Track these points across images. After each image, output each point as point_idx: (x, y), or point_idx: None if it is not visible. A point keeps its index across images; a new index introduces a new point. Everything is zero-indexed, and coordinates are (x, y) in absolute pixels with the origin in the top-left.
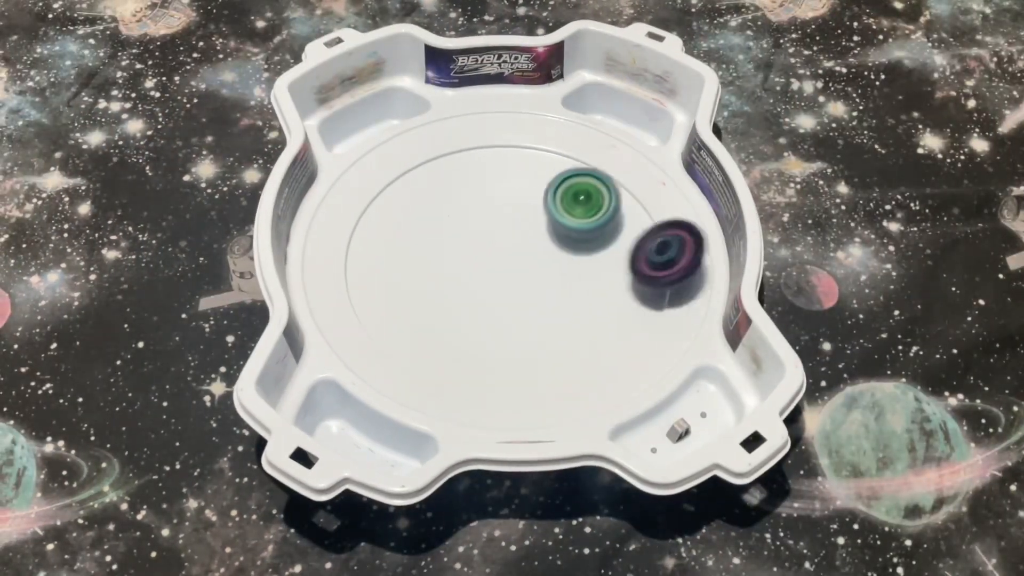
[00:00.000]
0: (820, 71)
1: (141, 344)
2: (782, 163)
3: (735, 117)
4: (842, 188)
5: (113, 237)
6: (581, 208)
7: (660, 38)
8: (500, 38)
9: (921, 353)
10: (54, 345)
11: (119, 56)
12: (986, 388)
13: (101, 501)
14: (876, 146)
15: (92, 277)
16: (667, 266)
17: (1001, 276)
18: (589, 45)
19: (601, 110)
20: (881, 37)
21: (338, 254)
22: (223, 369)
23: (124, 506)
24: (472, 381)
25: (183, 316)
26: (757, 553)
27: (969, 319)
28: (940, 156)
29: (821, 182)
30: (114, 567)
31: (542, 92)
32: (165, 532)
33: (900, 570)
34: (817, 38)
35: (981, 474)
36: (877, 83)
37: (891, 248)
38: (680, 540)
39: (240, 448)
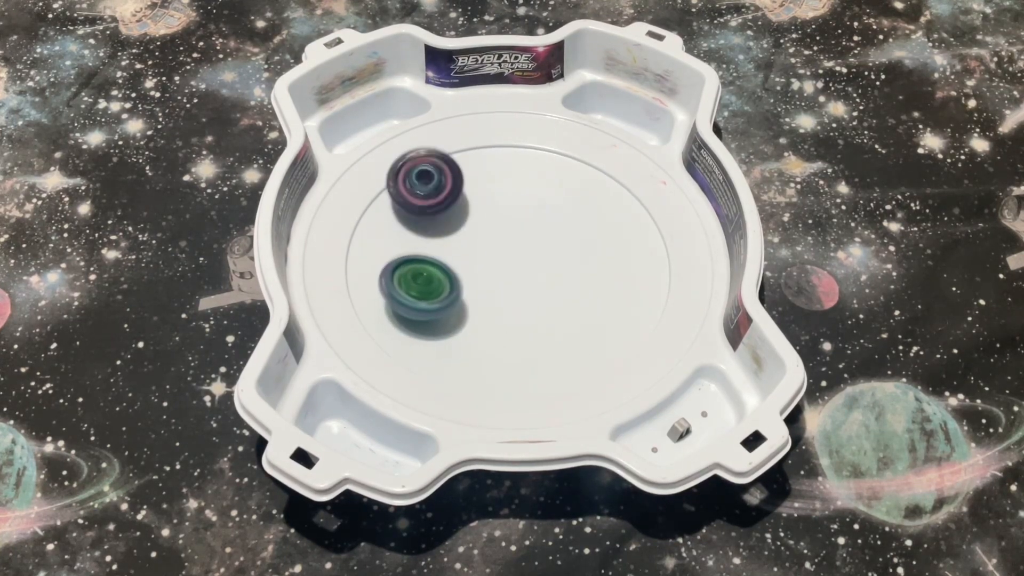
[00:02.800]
0: (820, 71)
1: (141, 344)
2: (782, 163)
3: (735, 117)
4: (842, 188)
5: (113, 237)
6: (422, 289)
7: (660, 37)
8: (500, 38)
9: (921, 353)
10: (54, 345)
11: (119, 56)
12: (986, 388)
13: (101, 501)
14: (876, 146)
15: (92, 277)
16: (433, 194)
17: (1001, 276)
18: (589, 45)
19: (601, 109)
20: (881, 37)
21: (338, 254)
22: (223, 369)
23: (124, 506)
24: (472, 381)
25: (183, 316)
26: (757, 553)
27: (969, 319)
28: (940, 156)
29: (821, 182)
30: (114, 567)
31: (542, 92)
32: (165, 532)
33: (900, 570)
34: (817, 38)
35: (981, 474)
36: (877, 83)
37: (891, 248)
38: (680, 540)
39: (240, 448)
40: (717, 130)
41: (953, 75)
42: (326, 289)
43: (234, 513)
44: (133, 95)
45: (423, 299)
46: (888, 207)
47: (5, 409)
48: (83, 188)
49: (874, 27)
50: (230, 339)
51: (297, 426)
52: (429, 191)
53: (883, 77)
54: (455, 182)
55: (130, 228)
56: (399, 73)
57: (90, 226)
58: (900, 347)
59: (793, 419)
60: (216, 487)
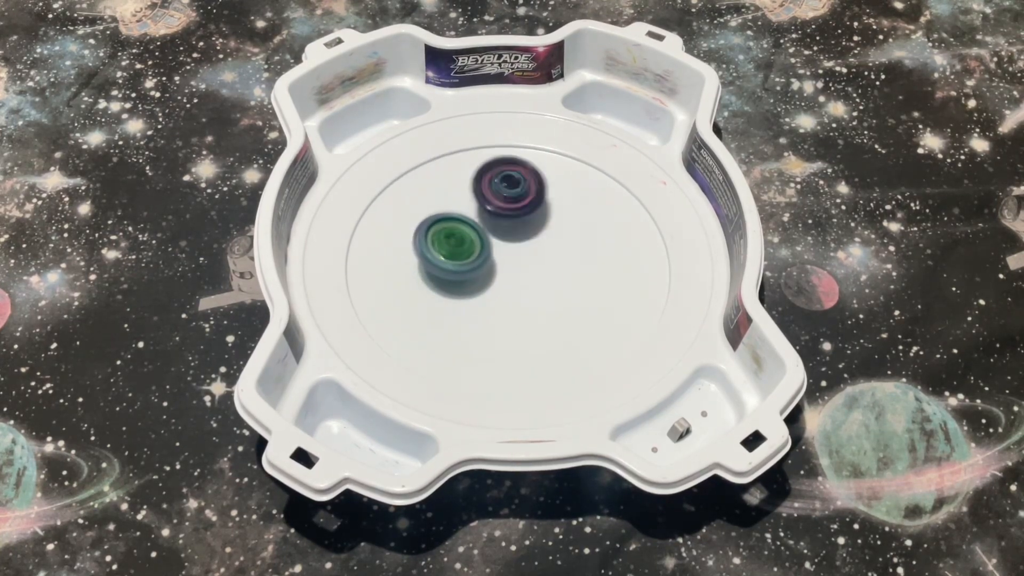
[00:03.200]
0: (820, 71)
1: (141, 344)
2: (782, 163)
3: (735, 117)
4: (842, 188)
5: (113, 237)
6: (453, 250)
7: (660, 37)
8: (500, 38)
9: (921, 353)
10: (54, 345)
11: (119, 56)
12: (986, 388)
13: (101, 501)
14: (876, 146)
15: (92, 277)
16: (517, 199)
17: (1001, 276)
18: (589, 45)
19: (601, 109)
20: (881, 37)
21: (338, 254)
22: (223, 369)
23: (124, 506)
24: (472, 381)
25: (183, 316)
26: (757, 553)
27: (969, 319)
28: (940, 156)
29: (821, 182)
30: (114, 567)
31: (542, 92)
32: (165, 532)
33: (900, 570)
34: (817, 38)
35: (981, 474)
36: (877, 83)
37: (891, 248)
38: (680, 540)
39: (240, 448)
40: (717, 130)
41: (953, 75)
42: (326, 289)
43: (234, 513)
44: (133, 95)
45: (453, 259)
46: (888, 207)
47: (5, 409)
48: (83, 188)
49: (874, 27)
50: (230, 339)
51: (297, 426)
52: (513, 195)
53: (883, 77)
54: (538, 191)
55: (130, 228)
56: (399, 73)
57: (90, 226)
58: (900, 347)
59: (793, 419)
60: (216, 487)
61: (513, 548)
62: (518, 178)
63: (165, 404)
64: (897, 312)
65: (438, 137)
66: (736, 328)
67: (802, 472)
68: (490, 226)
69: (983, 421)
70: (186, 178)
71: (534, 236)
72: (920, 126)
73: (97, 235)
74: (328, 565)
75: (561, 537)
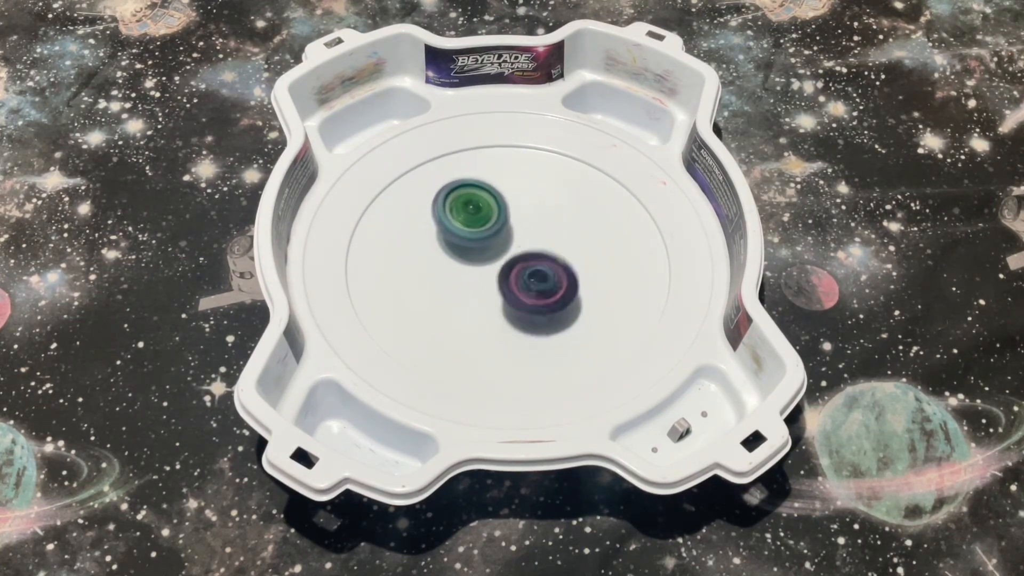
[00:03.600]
0: (820, 71)
1: (141, 344)
2: (782, 163)
3: (735, 117)
4: (842, 188)
5: (113, 237)
6: (470, 217)
7: (660, 37)
8: (500, 38)
9: (921, 353)
10: (54, 345)
11: (119, 56)
12: (986, 388)
13: (101, 501)
14: (876, 146)
15: (92, 277)
16: (540, 295)
17: (1001, 276)
18: (589, 44)
19: (601, 109)
20: (881, 37)
21: (338, 254)
22: (223, 369)
23: (124, 506)
24: (472, 381)
25: (183, 316)
26: (757, 553)
27: (969, 319)
28: (940, 156)
29: (821, 182)
30: (114, 567)
31: (542, 92)
32: (165, 532)
33: (900, 570)
34: (817, 38)
35: (981, 474)
36: (877, 83)
37: (891, 248)
38: (680, 540)
39: (240, 448)
40: (717, 130)
41: (953, 75)
42: (326, 289)
43: (234, 513)
44: (133, 95)
45: (470, 226)
46: (888, 207)
47: (5, 409)
48: (83, 188)
49: (874, 27)
50: (230, 339)
51: (297, 426)
52: (543, 291)
53: (883, 77)
54: (569, 287)
55: (130, 228)
56: (399, 73)
57: (90, 226)
58: (900, 347)
59: (793, 419)
60: (216, 487)
61: (513, 548)
62: (547, 272)
63: (165, 404)
64: (897, 312)
65: (438, 137)
66: (736, 328)
67: (802, 472)
68: (454, 248)
69: (983, 421)
70: (186, 178)
71: (534, 236)
72: (920, 126)
73: (97, 235)
74: (328, 565)
75: (561, 537)
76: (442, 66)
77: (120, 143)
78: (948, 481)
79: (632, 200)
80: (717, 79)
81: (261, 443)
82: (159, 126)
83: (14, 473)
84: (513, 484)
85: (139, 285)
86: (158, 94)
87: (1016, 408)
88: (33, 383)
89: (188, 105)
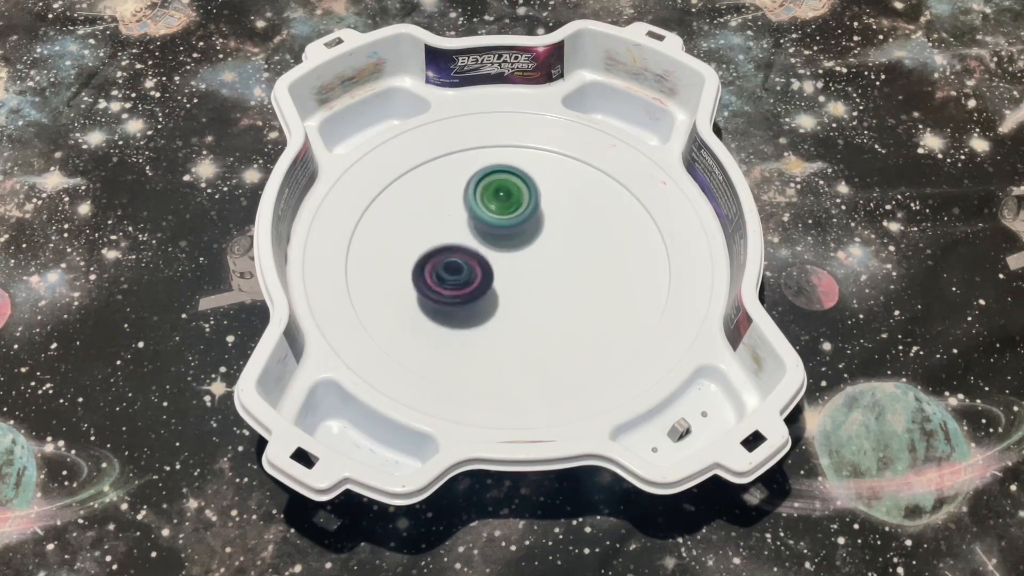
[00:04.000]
0: (820, 71)
1: (141, 344)
2: (782, 163)
3: (735, 117)
4: (842, 188)
5: (113, 237)
6: (501, 204)
7: (660, 37)
8: (500, 38)
9: (921, 353)
10: (54, 345)
11: (119, 56)
12: (986, 388)
13: (101, 501)
14: (876, 146)
15: (92, 277)
16: (454, 287)
17: (1001, 276)
18: (589, 44)
19: (601, 110)
20: (881, 37)
21: (338, 254)
22: (223, 369)
23: (124, 506)
24: (472, 381)
25: (183, 316)
26: (757, 553)
27: (969, 319)
28: (940, 156)
29: (821, 182)
30: (114, 567)
31: (542, 92)
32: (165, 532)
33: (900, 570)
34: (817, 38)
35: (981, 474)
36: (877, 83)
37: (891, 248)
38: (680, 540)
39: (240, 448)
40: (717, 130)
41: (953, 75)
42: (326, 289)
43: (234, 513)
44: (133, 95)
45: (501, 213)
46: (888, 207)
47: (5, 409)
48: (83, 188)
49: (874, 27)
50: (230, 339)
51: (297, 426)
52: (457, 283)
53: (883, 77)
54: (484, 277)
55: (130, 228)
56: (399, 73)
57: (90, 226)
58: (900, 347)
59: (793, 419)
60: (216, 487)
61: (513, 548)
62: (460, 264)
63: (165, 404)
64: (897, 312)
65: (438, 137)
66: (736, 328)
67: (802, 472)
68: (485, 236)
69: (983, 421)
70: (186, 178)
71: (534, 237)
72: (920, 126)
73: (97, 235)
74: (328, 565)
75: (561, 537)
76: (442, 66)
77: (120, 143)
78: (948, 481)
79: (632, 200)
80: (717, 79)
81: (261, 443)
82: (159, 126)
83: (14, 473)
84: (513, 484)
85: (139, 285)
86: (158, 94)
87: (1016, 408)
88: (33, 383)
89: (188, 105)
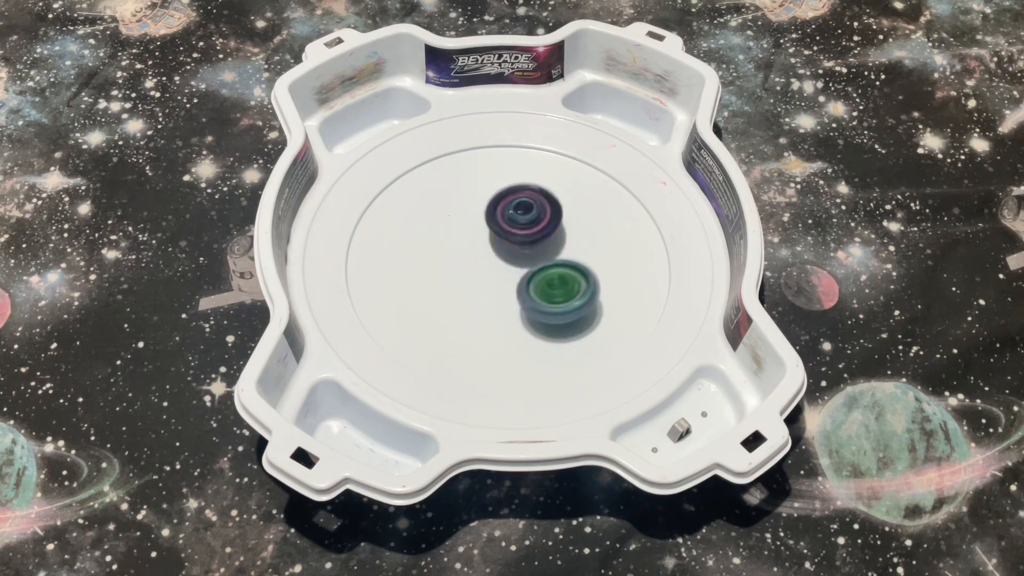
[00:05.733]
0: (820, 71)
1: (141, 344)
2: (782, 163)
3: (735, 117)
4: (842, 188)
5: (113, 237)
6: (557, 293)
7: (660, 37)
8: (500, 38)
9: (921, 353)
10: (54, 345)
11: (119, 56)
12: (986, 388)
13: (101, 501)
14: (876, 146)
15: (92, 277)
16: (526, 225)
17: (1001, 276)
18: (589, 45)
19: (601, 110)
20: (881, 37)
21: (338, 254)
22: (223, 369)
23: (124, 506)
24: (473, 381)
25: (183, 316)
26: (757, 553)
27: (969, 319)
28: (940, 156)
29: (821, 182)
30: (114, 567)
31: (542, 92)
32: (165, 532)
33: (900, 570)
34: (817, 38)
35: (981, 474)
36: (877, 83)
37: (891, 248)
38: (680, 540)
39: (240, 448)
40: (717, 130)
41: (953, 75)
42: (326, 289)
43: (234, 513)
44: (133, 95)
45: (563, 301)
46: (888, 207)
47: (5, 409)
48: (83, 188)
49: (874, 27)
50: (230, 339)
51: (297, 426)
52: (527, 222)
53: (883, 77)
54: (553, 215)
55: (130, 228)
56: (399, 73)
57: (90, 226)
58: (900, 347)
59: (793, 419)
60: (216, 487)
61: (513, 548)
62: (530, 203)
63: (165, 404)
64: (897, 312)
65: (438, 137)
66: (736, 328)
67: (802, 472)
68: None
69: (983, 421)
70: (186, 178)
71: None
72: (920, 126)
73: (97, 235)
74: (328, 565)
75: (561, 537)
76: (442, 66)
77: (120, 143)
78: (948, 481)
79: (632, 200)
80: (717, 79)
81: (261, 443)
82: (159, 126)
83: (14, 473)
84: (513, 484)
85: (139, 285)
86: (158, 94)
87: (1016, 408)
88: (33, 383)
89: (188, 105)
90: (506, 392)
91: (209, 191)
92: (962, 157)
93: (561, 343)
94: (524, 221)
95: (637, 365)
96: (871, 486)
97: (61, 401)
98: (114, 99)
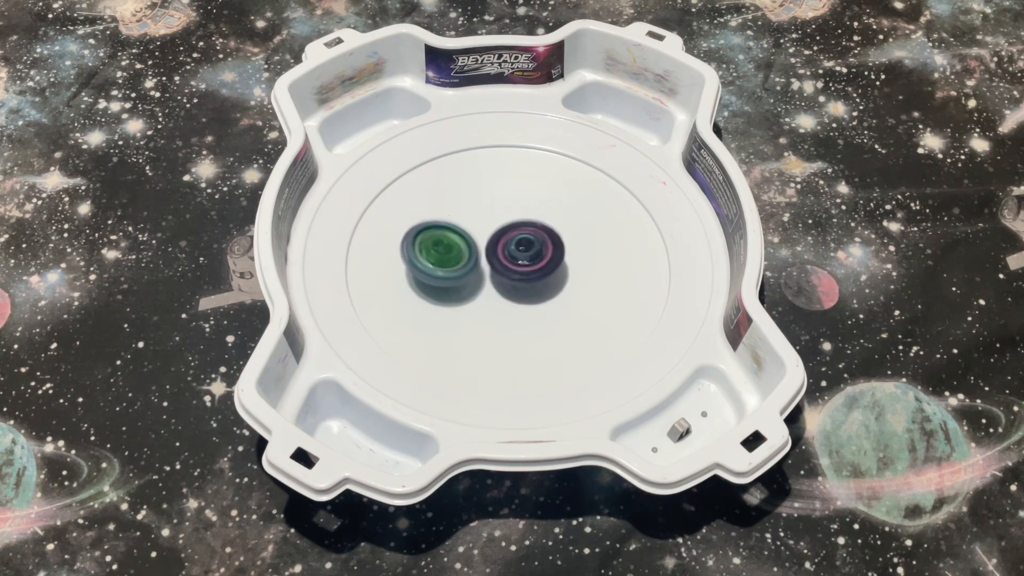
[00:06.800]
0: (820, 71)
1: (141, 344)
2: (782, 163)
3: (735, 117)
4: (842, 188)
5: (113, 237)
6: (440, 257)
7: (660, 37)
8: (500, 38)
9: (921, 353)
10: (54, 345)
11: (119, 56)
12: (986, 388)
13: (101, 501)
14: (876, 146)
15: (92, 277)
16: (526, 263)
17: (1001, 276)
18: (589, 44)
19: (601, 109)
20: (881, 37)
21: (338, 254)
22: (223, 369)
23: (124, 506)
24: (473, 381)
25: (183, 316)
26: (757, 553)
27: (969, 319)
28: (940, 156)
29: (821, 182)
30: (114, 567)
31: (542, 92)
32: (165, 532)
33: (900, 570)
34: (817, 38)
35: (981, 474)
36: (877, 83)
37: (891, 248)
38: (680, 540)
39: (240, 448)
40: (717, 130)
41: (953, 75)
42: (326, 289)
43: (234, 513)
44: (133, 95)
45: (441, 266)
46: (888, 207)
47: (5, 409)
48: (83, 188)
49: (874, 27)
50: (230, 339)
51: (297, 426)
52: (528, 258)
53: (883, 77)
54: (555, 252)
55: (130, 228)
56: (399, 73)
57: (90, 226)
58: (900, 347)
59: (793, 419)
60: (216, 487)
61: (513, 548)
62: (532, 239)
63: (165, 404)
64: (897, 312)
65: (438, 137)
66: (736, 328)
67: (802, 472)
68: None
69: (983, 421)
70: (186, 178)
71: None
72: (920, 126)
73: (97, 235)
74: (328, 565)
75: (561, 537)
76: (442, 66)
77: (120, 143)
78: (948, 481)
79: (632, 200)
80: (717, 79)
81: (261, 443)
82: (159, 126)
83: (14, 473)
84: (513, 484)
85: (139, 285)
86: (158, 94)
87: (1016, 408)
88: (33, 383)
89: (188, 105)
90: (506, 392)
91: (209, 191)
92: (962, 157)
93: (561, 343)
94: (525, 259)
95: (637, 365)
96: (871, 486)
97: (61, 401)
98: (114, 99)
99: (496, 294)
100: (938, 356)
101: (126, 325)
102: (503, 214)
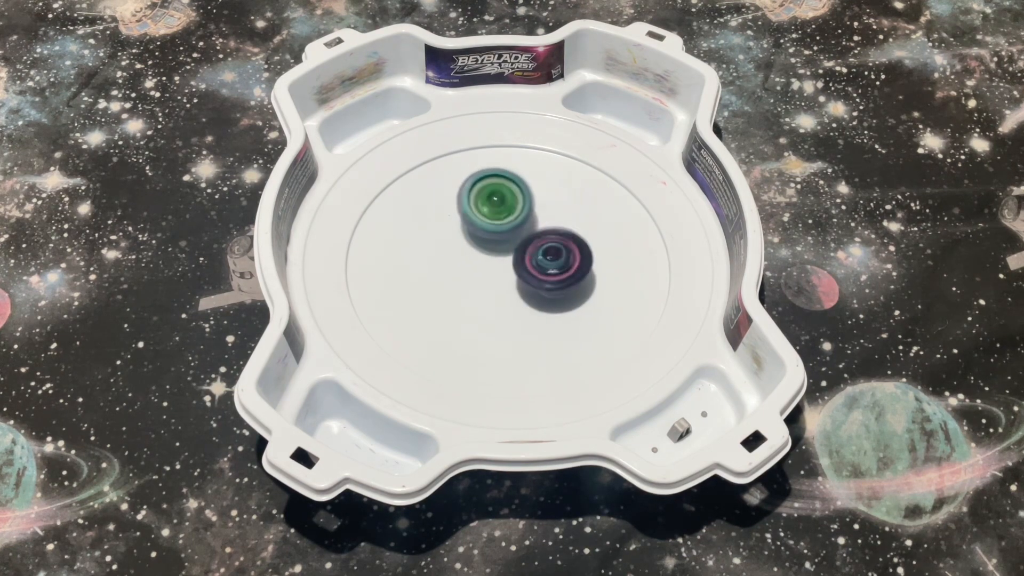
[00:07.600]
0: (820, 71)
1: (141, 344)
2: (782, 163)
3: (735, 117)
4: (842, 188)
5: (113, 237)
6: (494, 209)
7: (660, 37)
8: (500, 38)
9: (921, 353)
10: (54, 345)
11: (119, 56)
12: (986, 388)
13: (101, 501)
14: (876, 146)
15: (92, 277)
16: (553, 272)
17: (1001, 276)
18: (589, 44)
19: (601, 110)
20: (881, 37)
21: (338, 254)
22: (223, 369)
23: (124, 506)
24: (473, 381)
25: (183, 316)
26: (757, 553)
27: (969, 319)
28: (940, 156)
29: (821, 182)
30: (114, 567)
31: (542, 92)
32: (165, 532)
33: (900, 570)
34: (817, 38)
35: (981, 474)
36: (877, 83)
37: (891, 248)
38: (680, 540)
39: (240, 448)
40: (717, 130)
41: (953, 75)
42: (326, 289)
43: (234, 513)
44: (133, 95)
45: (494, 218)
46: (888, 207)
47: (5, 409)
48: (83, 188)
49: (874, 27)
50: (230, 339)
51: (297, 426)
52: (557, 267)
53: (883, 77)
54: (583, 260)
55: (130, 228)
56: (399, 73)
57: (90, 226)
58: (900, 347)
59: (793, 419)
60: (216, 487)
61: (513, 548)
62: (560, 248)
63: (165, 404)
64: (897, 312)
65: (438, 137)
66: (736, 328)
67: (802, 472)
68: (477, 239)
69: (983, 421)
70: (186, 178)
71: None
72: (920, 126)
73: (97, 235)
74: (328, 565)
75: (561, 537)
76: (442, 66)
77: (120, 143)
78: (948, 481)
79: (632, 200)
80: (717, 79)
81: (261, 443)
82: (159, 126)
83: (14, 473)
84: (513, 484)
85: (139, 285)
86: (158, 94)
87: (1016, 408)
88: (33, 383)
89: (188, 105)
90: (506, 392)
91: (209, 191)
92: (962, 157)
93: (561, 343)
94: (553, 268)
95: (637, 365)
96: (871, 486)
97: (61, 401)
98: (114, 99)
99: (496, 294)
100: (938, 356)
101: (126, 325)
102: None
